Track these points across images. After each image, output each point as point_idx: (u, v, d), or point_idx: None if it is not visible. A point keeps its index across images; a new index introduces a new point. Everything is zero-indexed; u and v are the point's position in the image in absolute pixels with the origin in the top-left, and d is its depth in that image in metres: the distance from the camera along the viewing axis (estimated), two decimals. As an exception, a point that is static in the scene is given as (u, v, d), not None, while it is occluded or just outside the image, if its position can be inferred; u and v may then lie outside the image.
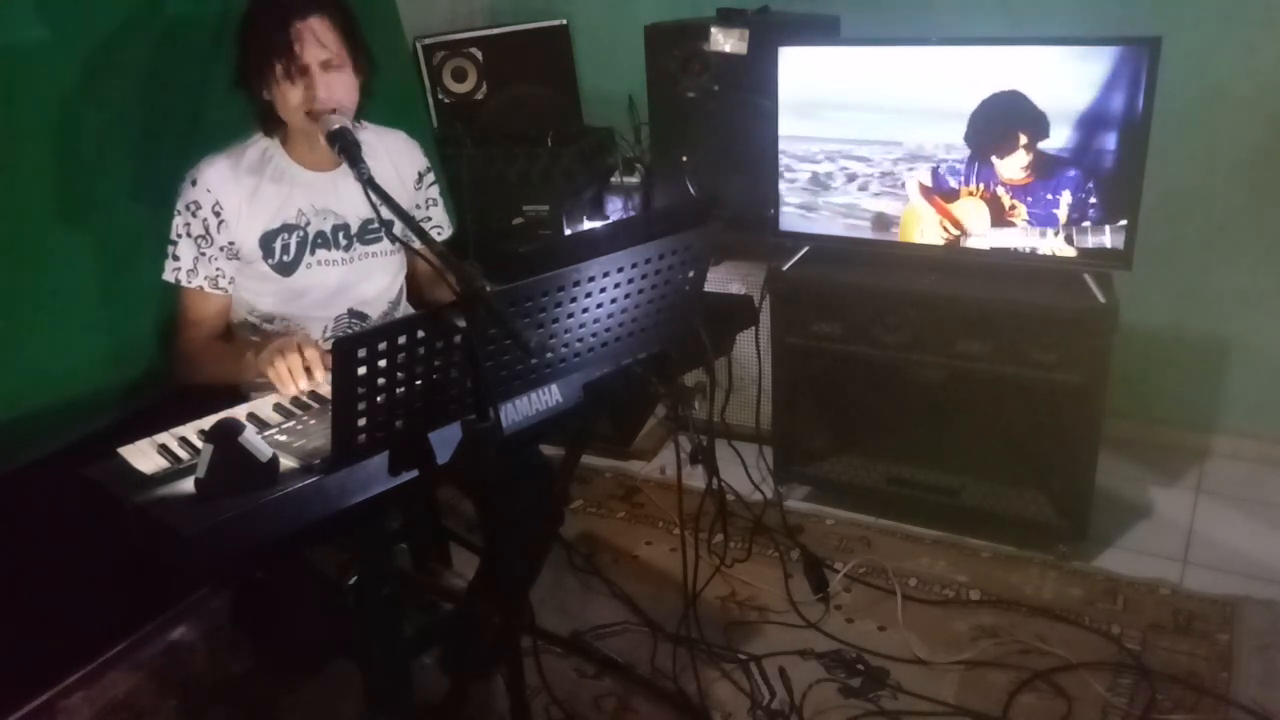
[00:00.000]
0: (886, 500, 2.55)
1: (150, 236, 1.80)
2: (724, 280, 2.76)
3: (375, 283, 1.88)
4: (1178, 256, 2.64)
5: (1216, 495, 2.59)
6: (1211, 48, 2.45)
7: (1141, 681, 1.94)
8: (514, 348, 1.27)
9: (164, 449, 1.30)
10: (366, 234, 1.84)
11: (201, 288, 1.75)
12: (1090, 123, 2.12)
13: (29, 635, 1.92)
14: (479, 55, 2.96)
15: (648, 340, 1.50)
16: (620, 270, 1.36)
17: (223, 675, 2.12)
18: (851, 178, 2.42)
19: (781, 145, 2.47)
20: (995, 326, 2.27)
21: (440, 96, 2.98)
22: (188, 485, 1.18)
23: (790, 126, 2.44)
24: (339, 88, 1.66)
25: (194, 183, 1.71)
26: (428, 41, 2.94)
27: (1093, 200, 2.17)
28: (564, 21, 3.02)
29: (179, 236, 1.73)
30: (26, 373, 1.76)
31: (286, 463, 1.22)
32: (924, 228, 2.38)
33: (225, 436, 1.16)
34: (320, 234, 1.80)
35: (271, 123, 1.74)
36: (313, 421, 1.36)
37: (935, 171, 2.32)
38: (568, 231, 2.85)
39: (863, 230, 2.45)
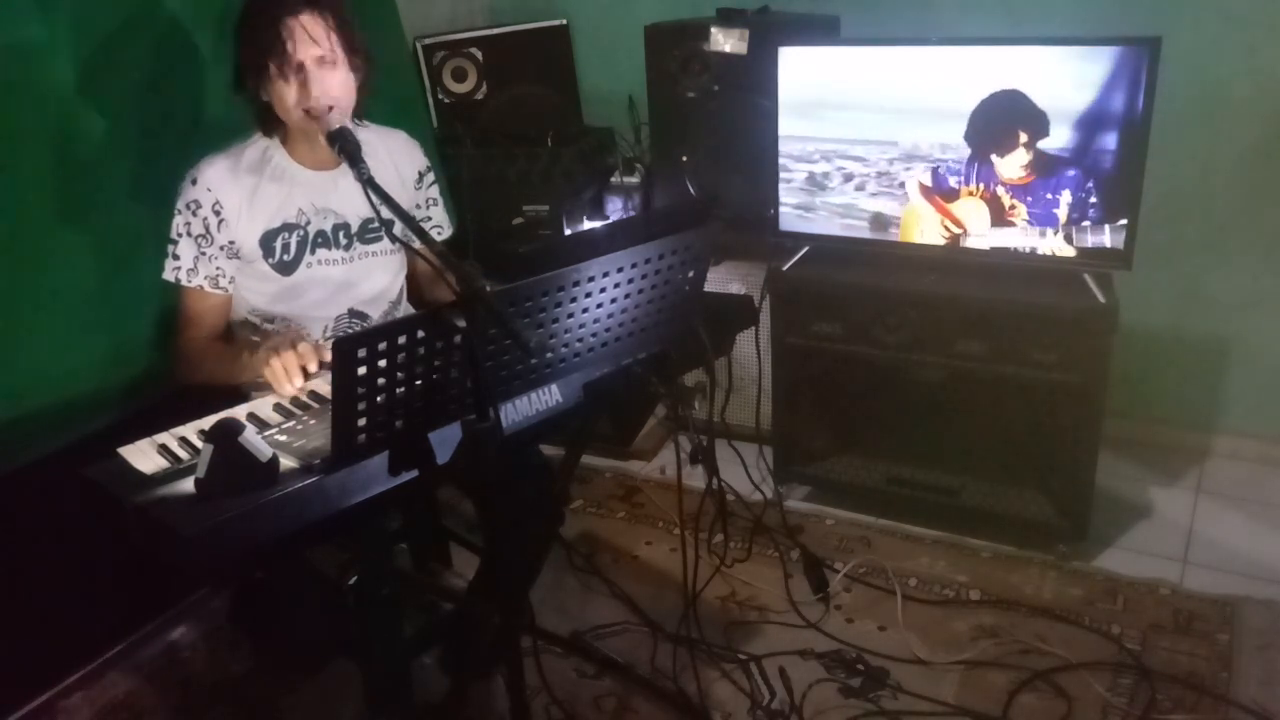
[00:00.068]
0: (886, 500, 2.55)
1: (150, 236, 1.80)
2: (724, 280, 2.76)
3: (375, 282, 1.88)
4: (1178, 256, 2.64)
5: (1216, 495, 2.59)
6: (1211, 48, 2.45)
7: (1141, 681, 1.94)
8: (514, 348, 1.27)
9: (164, 449, 1.30)
10: (367, 233, 1.84)
11: (201, 287, 1.75)
12: (1090, 122, 2.12)
13: (29, 635, 1.92)
14: (479, 55, 2.96)
15: (648, 340, 1.50)
16: (620, 270, 1.36)
17: (223, 675, 2.12)
18: (848, 178, 2.42)
19: (780, 145, 2.47)
20: (995, 326, 2.27)
21: (440, 96, 2.98)
22: (188, 485, 1.18)
23: (788, 126, 2.44)
24: (334, 84, 1.66)
25: (194, 182, 1.71)
26: (428, 41, 2.94)
27: (1093, 200, 2.17)
28: (564, 21, 3.02)
29: (179, 236, 1.73)
30: (26, 373, 1.76)
31: (286, 463, 1.22)
32: (924, 227, 2.38)
33: (225, 436, 1.16)
34: (320, 233, 1.80)
35: (271, 123, 1.74)
36: (313, 421, 1.36)
37: (935, 171, 2.32)
38: (568, 231, 2.85)
39: (861, 230, 2.45)
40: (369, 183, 1.48)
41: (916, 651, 2.06)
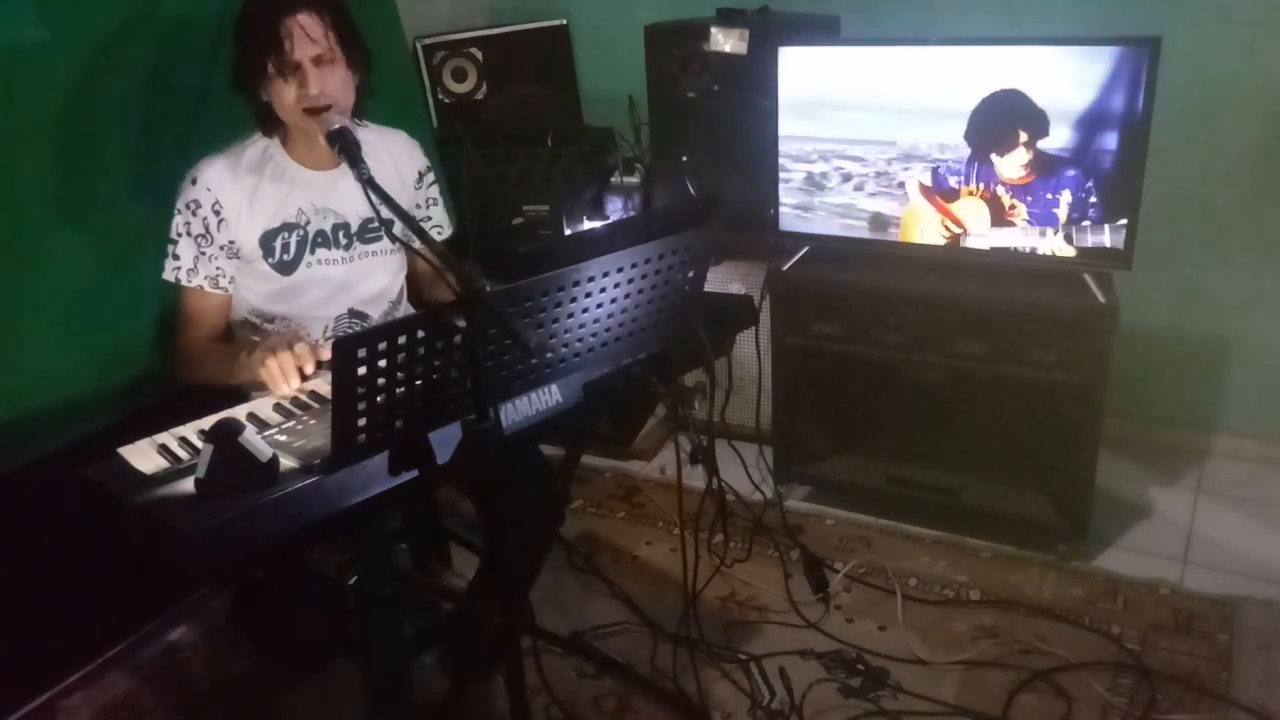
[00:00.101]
0: (886, 500, 2.55)
1: (150, 236, 1.80)
2: (724, 280, 2.76)
3: (375, 282, 1.88)
4: (1178, 256, 2.64)
5: (1216, 495, 2.59)
6: (1211, 48, 2.45)
7: (1141, 681, 1.94)
8: (514, 348, 1.27)
9: (164, 449, 1.30)
10: (366, 233, 1.84)
11: (201, 287, 1.75)
12: (1090, 122, 2.12)
13: (29, 635, 1.92)
14: (479, 55, 2.96)
15: (648, 340, 1.50)
16: (620, 270, 1.36)
17: (223, 675, 2.12)
18: (847, 178, 2.42)
19: (780, 145, 2.46)
20: (995, 326, 2.27)
21: (440, 96, 2.98)
22: (188, 485, 1.18)
23: (787, 126, 2.44)
24: (332, 83, 1.66)
25: (194, 182, 1.71)
26: (428, 41, 2.94)
27: (1093, 200, 2.17)
28: (564, 21, 3.02)
29: (179, 236, 1.73)
30: (26, 373, 1.76)
31: (286, 463, 1.22)
32: (924, 227, 2.38)
33: (225, 436, 1.16)
34: (320, 233, 1.80)
35: (270, 123, 1.74)
36: (313, 421, 1.36)
37: (935, 171, 2.32)
38: (568, 231, 2.85)
39: (860, 230, 2.45)
40: (369, 183, 1.47)
41: (916, 651, 2.06)
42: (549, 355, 1.36)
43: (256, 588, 1.89)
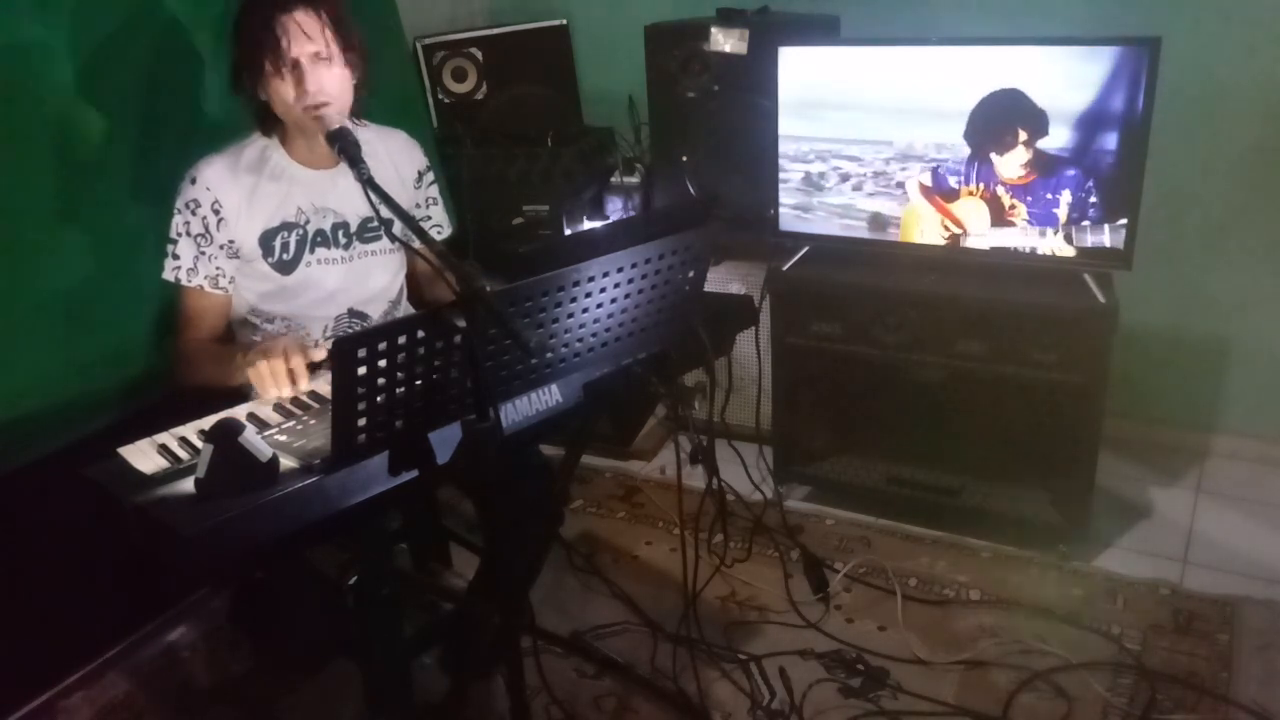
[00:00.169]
0: (886, 500, 2.55)
1: (150, 236, 1.80)
2: (724, 280, 2.76)
3: (375, 281, 1.88)
4: (1178, 256, 2.64)
5: (1216, 495, 2.59)
6: (1211, 48, 2.45)
7: (1141, 681, 1.94)
8: (514, 348, 1.27)
9: (164, 449, 1.30)
10: (366, 232, 1.84)
11: (201, 287, 1.75)
12: (1090, 122, 2.12)
13: (29, 635, 1.91)
14: (479, 55, 2.96)
15: (648, 340, 1.50)
16: (620, 270, 1.36)
17: (223, 675, 2.12)
18: (845, 178, 2.42)
19: (779, 145, 2.47)
20: (995, 326, 2.27)
21: (440, 96, 2.98)
22: (188, 485, 1.18)
23: (787, 126, 2.44)
24: (329, 81, 1.66)
25: (193, 181, 1.71)
26: (428, 41, 2.94)
27: (1093, 200, 2.17)
28: (564, 21, 3.02)
29: (179, 235, 1.72)
30: (26, 373, 1.76)
31: (286, 463, 1.22)
32: (924, 227, 2.38)
33: (225, 436, 1.16)
34: (320, 232, 1.80)
35: (269, 122, 1.74)
36: (313, 421, 1.36)
37: (935, 171, 2.32)
38: (568, 231, 2.85)
39: (859, 231, 2.45)
40: (369, 183, 1.47)
41: (916, 651, 2.06)
42: (549, 355, 1.36)
43: (256, 588, 1.89)
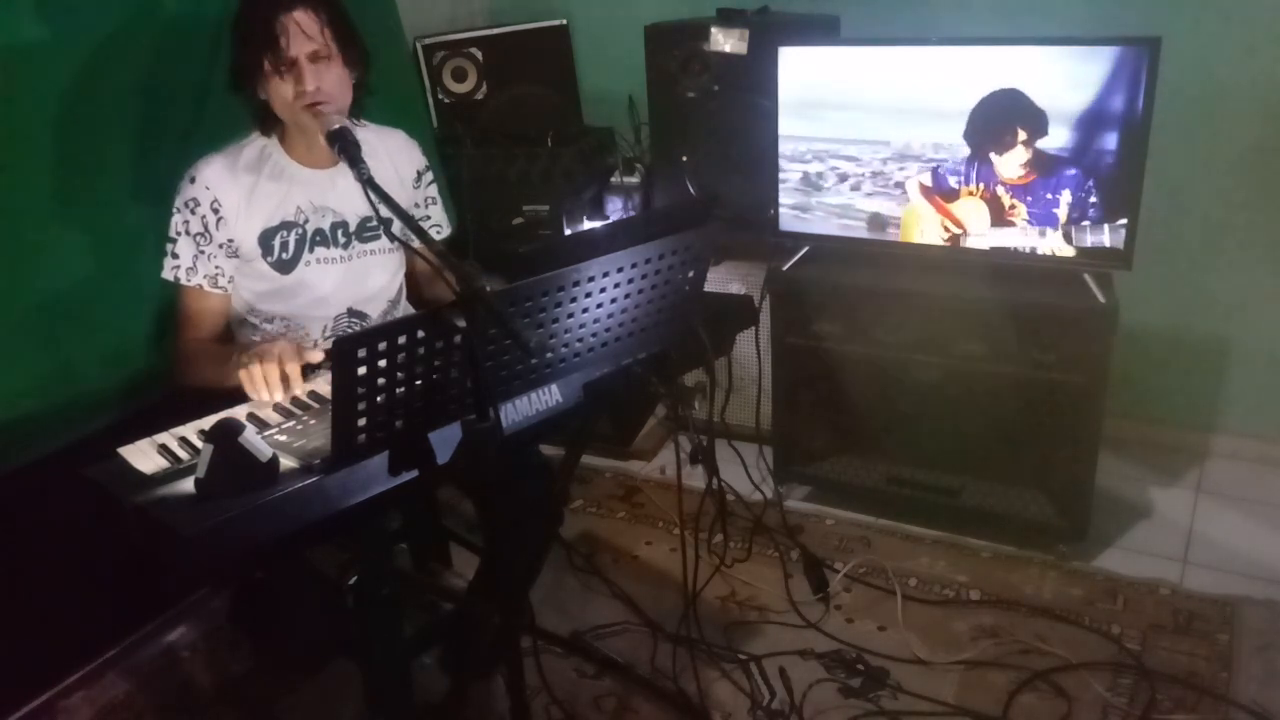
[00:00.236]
0: (886, 500, 2.55)
1: (150, 236, 1.80)
2: (724, 280, 2.76)
3: (375, 280, 1.88)
4: (1178, 256, 2.64)
5: (1216, 495, 2.59)
6: (1211, 48, 2.45)
7: (1141, 681, 1.94)
8: (514, 348, 1.27)
9: (164, 449, 1.30)
10: (365, 231, 1.84)
11: (201, 286, 1.75)
12: (1090, 122, 2.12)
13: (29, 635, 1.91)
14: (479, 55, 2.96)
15: (648, 340, 1.50)
16: (620, 270, 1.36)
17: (223, 675, 2.12)
18: (843, 178, 2.42)
19: (779, 145, 2.47)
20: (995, 326, 2.27)
21: (440, 96, 2.98)
22: (188, 485, 1.18)
23: (787, 126, 2.44)
24: (328, 80, 1.66)
25: (193, 180, 1.71)
26: (428, 41, 2.94)
27: (1093, 200, 2.17)
28: (564, 21, 3.02)
29: (178, 234, 1.72)
30: (26, 372, 1.76)
31: (286, 463, 1.22)
32: (924, 227, 2.37)
33: (225, 436, 1.16)
34: (319, 231, 1.80)
35: (268, 121, 1.74)
36: (313, 421, 1.36)
37: (935, 171, 2.32)
38: (568, 231, 2.85)
39: (858, 231, 2.45)
40: (369, 183, 1.47)
41: (916, 651, 2.06)
42: (549, 355, 1.36)
43: (256, 588, 1.89)
